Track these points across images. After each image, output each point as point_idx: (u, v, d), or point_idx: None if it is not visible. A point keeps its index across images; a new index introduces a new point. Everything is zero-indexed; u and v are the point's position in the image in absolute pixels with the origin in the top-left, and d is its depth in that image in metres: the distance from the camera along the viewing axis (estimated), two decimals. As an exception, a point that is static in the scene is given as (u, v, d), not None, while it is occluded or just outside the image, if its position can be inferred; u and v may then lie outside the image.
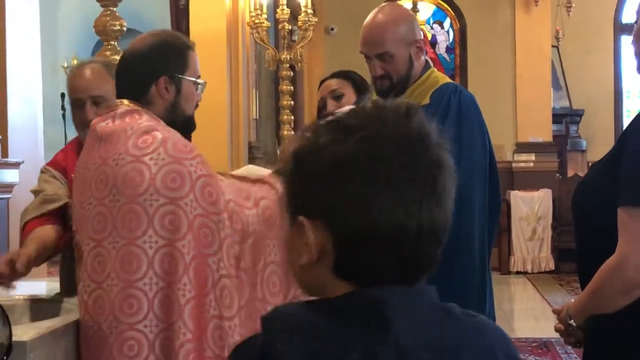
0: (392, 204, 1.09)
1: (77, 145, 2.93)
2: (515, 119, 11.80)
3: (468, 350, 1.14)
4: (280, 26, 7.82)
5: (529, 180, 11.20)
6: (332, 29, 12.07)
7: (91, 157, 2.34)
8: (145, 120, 2.34)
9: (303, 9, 7.66)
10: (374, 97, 2.96)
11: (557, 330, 2.25)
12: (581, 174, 11.94)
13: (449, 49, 12.43)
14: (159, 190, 2.21)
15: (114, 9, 4.05)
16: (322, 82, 3.50)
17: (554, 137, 11.85)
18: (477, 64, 12.00)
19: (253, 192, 2.38)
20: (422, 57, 2.88)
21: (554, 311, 2.28)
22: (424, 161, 1.12)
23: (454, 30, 12.35)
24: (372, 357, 1.08)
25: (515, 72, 11.79)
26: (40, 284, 3.12)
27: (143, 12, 9.15)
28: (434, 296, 1.18)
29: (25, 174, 4.23)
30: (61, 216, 2.77)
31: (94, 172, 2.30)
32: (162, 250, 2.20)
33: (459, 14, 12.15)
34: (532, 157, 11.59)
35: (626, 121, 12.41)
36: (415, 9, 11.66)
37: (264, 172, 2.62)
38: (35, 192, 2.87)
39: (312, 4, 7.75)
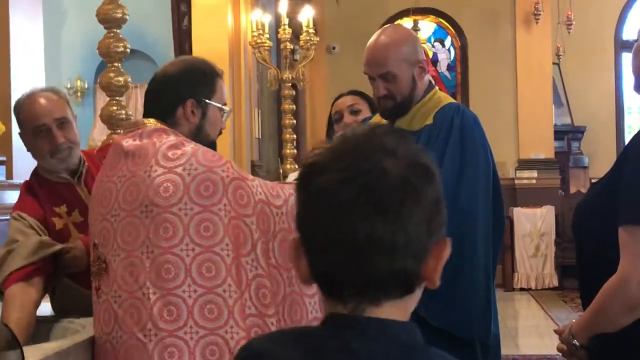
0: (336, 215, 1.13)
1: (38, 185, 2.90)
2: (517, 135, 11.82)
3: None
4: (282, 46, 7.87)
5: (532, 197, 11.20)
6: (333, 48, 12.11)
7: (117, 170, 2.38)
8: (172, 138, 2.38)
9: (305, 28, 7.71)
10: (379, 118, 2.98)
11: (559, 350, 2.25)
12: (583, 190, 11.93)
13: (450, 67, 12.48)
14: (192, 199, 2.25)
15: (118, 30, 4.06)
16: (337, 98, 3.63)
17: (556, 153, 11.87)
18: (479, 81, 12.04)
19: (284, 188, 2.41)
20: (426, 78, 2.90)
21: (556, 332, 2.28)
22: (384, 181, 1.14)
23: (455, 48, 12.40)
24: None
25: (516, 89, 11.82)
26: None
27: (146, 33, 9.19)
28: (403, 335, 1.19)
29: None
30: (52, 260, 2.76)
31: (122, 185, 2.34)
32: (199, 257, 2.24)
33: (459, 32, 12.19)
34: (535, 174, 11.60)
35: (627, 137, 12.46)
36: (416, 27, 11.73)
37: None
38: (10, 243, 2.76)
39: (314, 24, 7.80)
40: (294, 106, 8.08)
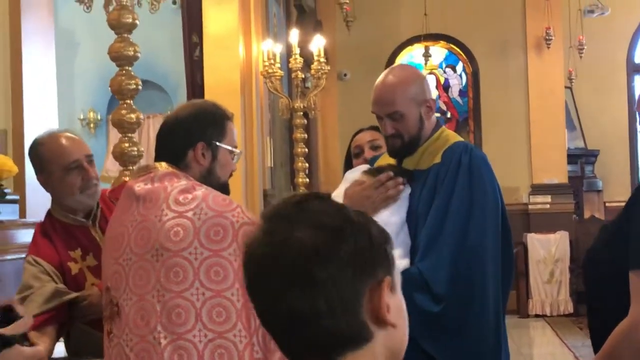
0: (263, 290, 1.22)
1: (53, 229, 2.92)
2: (530, 160, 11.79)
3: None
4: (293, 75, 7.90)
5: (546, 222, 11.16)
6: (345, 75, 12.15)
7: (129, 214, 2.40)
8: (183, 182, 2.41)
9: (316, 57, 7.74)
10: (387, 156, 2.99)
11: None
12: (598, 214, 11.90)
13: (462, 93, 12.49)
14: (203, 243, 2.26)
15: (129, 68, 4.10)
16: (357, 133, 3.68)
17: (570, 177, 11.83)
18: (491, 106, 12.04)
19: None
20: (433, 117, 2.91)
21: None
22: (293, 251, 1.19)
23: (466, 74, 12.41)
24: None
25: (528, 114, 11.81)
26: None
27: (158, 64, 9.25)
28: None
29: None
30: (67, 307, 2.78)
31: (134, 229, 2.36)
32: (210, 302, 2.25)
33: (471, 58, 12.21)
34: (548, 198, 11.56)
35: (642, 160, 12.43)
36: (427, 53, 11.77)
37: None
38: (24, 290, 2.75)
39: (325, 51, 7.83)
40: (306, 135, 8.09)
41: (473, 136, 12.29)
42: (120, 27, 4.05)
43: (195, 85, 8.02)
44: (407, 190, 2.83)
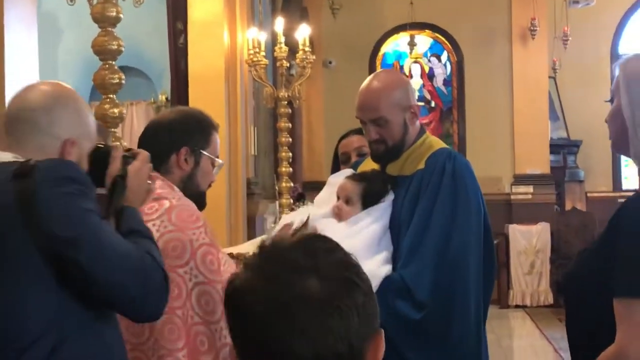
0: (265, 334, 1.19)
1: None
2: (513, 150, 11.83)
3: None
4: (278, 64, 7.86)
5: (527, 213, 11.21)
6: (330, 62, 12.12)
7: None
8: (158, 186, 2.39)
9: (301, 47, 7.70)
10: (370, 161, 2.99)
11: None
12: (579, 205, 11.96)
13: (446, 82, 12.49)
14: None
15: (113, 62, 4.07)
16: (343, 137, 3.68)
17: (552, 168, 11.87)
18: (475, 96, 12.06)
19: None
20: (417, 122, 2.91)
21: None
22: (289, 293, 1.18)
23: (451, 63, 12.41)
24: None
25: (512, 104, 11.84)
26: None
27: (142, 51, 9.18)
28: None
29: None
30: None
31: None
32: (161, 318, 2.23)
33: (456, 47, 12.21)
34: (530, 189, 11.60)
35: (624, 152, 12.46)
36: (412, 42, 11.76)
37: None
38: None
39: (311, 39, 7.79)
40: (290, 124, 8.06)
41: (457, 126, 12.32)
42: (104, 21, 4.03)
43: (180, 72, 7.98)
44: (391, 197, 2.83)
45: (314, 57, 8.02)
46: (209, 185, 2.61)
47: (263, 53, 7.75)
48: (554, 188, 11.72)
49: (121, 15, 4.06)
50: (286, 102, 7.91)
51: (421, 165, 2.83)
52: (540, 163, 11.72)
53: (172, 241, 2.28)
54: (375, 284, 2.58)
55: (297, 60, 7.76)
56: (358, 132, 3.51)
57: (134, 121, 9.54)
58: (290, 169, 8.02)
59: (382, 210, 2.80)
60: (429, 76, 12.50)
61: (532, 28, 11.53)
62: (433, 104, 12.38)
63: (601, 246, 2.08)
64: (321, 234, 1.30)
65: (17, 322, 1.86)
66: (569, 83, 12.49)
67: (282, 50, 7.73)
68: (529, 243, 10.78)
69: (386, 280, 2.65)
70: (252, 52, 7.69)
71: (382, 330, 1.24)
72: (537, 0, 11.52)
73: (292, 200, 8.11)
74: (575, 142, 12.46)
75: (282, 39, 7.73)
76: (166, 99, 9.52)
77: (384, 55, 12.55)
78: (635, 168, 2.32)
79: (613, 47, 12.88)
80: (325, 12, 11.65)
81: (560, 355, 7.78)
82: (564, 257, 10.76)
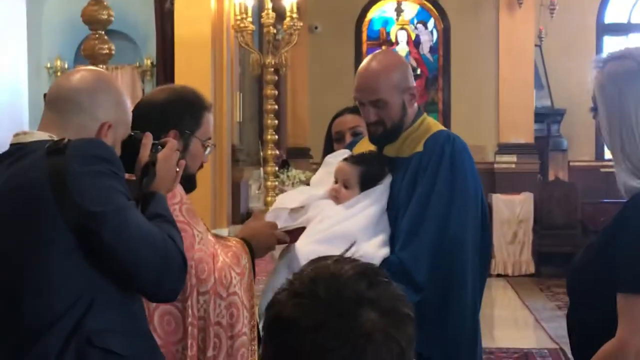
0: None
1: None
2: (498, 120, 11.83)
3: None
4: (265, 30, 7.79)
5: (511, 182, 11.24)
6: (316, 28, 12.03)
7: None
8: None
9: (288, 13, 7.63)
10: (366, 141, 2.97)
11: None
12: (562, 174, 12.01)
13: (432, 49, 12.44)
14: None
15: (102, 32, 4.01)
16: (336, 116, 3.60)
17: (536, 137, 11.89)
18: (461, 64, 12.02)
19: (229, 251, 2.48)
20: (415, 104, 2.89)
21: None
22: (354, 331, 1.16)
23: (437, 31, 12.36)
24: None
25: (498, 73, 11.81)
26: None
27: (128, 14, 9.05)
28: None
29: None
30: None
31: None
32: None
33: (442, 15, 12.15)
34: (514, 158, 11.63)
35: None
36: (399, 8, 11.69)
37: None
38: None
39: (297, 5, 7.73)
40: (276, 92, 8.02)
41: (442, 94, 12.30)
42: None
43: (166, 37, 7.90)
44: (388, 179, 2.82)
45: (301, 24, 7.96)
46: (201, 166, 2.58)
47: (250, 19, 7.68)
48: (538, 158, 11.75)
49: (111, -15, 3.99)
50: (272, 69, 7.87)
51: (419, 148, 2.81)
52: (524, 132, 11.73)
53: None
54: (355, 241, 2.60)
55: (285, 27, 7.71)
56: (352, 110, 3.48)
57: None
58: (276, 137, 8.00)
59: (380, 193, 2.79)
60: (415, 43, 12.45)
61: (519, -4, 11.48)
62: (419, 72, 12.34)
63: (607, 241, 2.08)
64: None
65: (44, 298, 1.94)
66: (554, 52, 12.46)
67: (269, 16, 7.66)
68: (512, 213, 10.83)
69: (384, 262, 2.65)
70: (239, 18, 7.62)
71: None
72: (524, -32, 11.46)
73: (276, 168, 8.12)
74: (559, 111, 12.47)
75: (269, 4, 7.66)
76: (151, 63, 9.43)
77: (370, 21, 12.47)
78: None
79: (599, 17, 12.85)
80: (312, -23, 11.54)
81: (541, 326, 7.86)
82: (546, 227, 10.84)
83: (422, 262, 2.66)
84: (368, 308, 1.17)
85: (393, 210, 2.78)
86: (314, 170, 3.72)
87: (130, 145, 2.23)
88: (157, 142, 2.28)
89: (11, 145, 2.11)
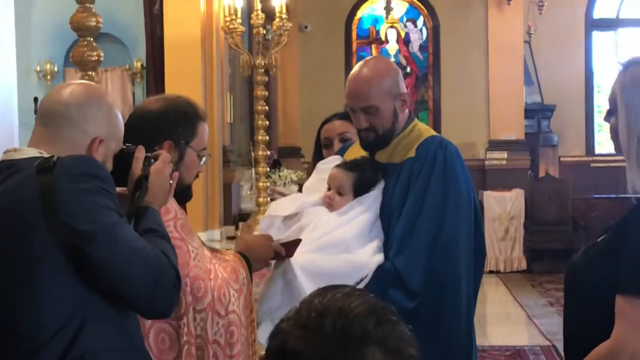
0: None
1: None
2: (488, 116, 11.86)
3: None
4: (254, 31, 7.78)
5: (501, 179, 11.27)
6: (305, 27, 12.02)
7: None
8: None
9: (278, 14, 7.62)
10: (357, 147, 2.97)
11: None
12: (552, 169, 12.04)
13: (422, 47, 12.45)
14: None
15: (91, 39, 4.01)
16: (325, 122, 3.61)
17: (526, 134, 11.92)
18: (451, 61, 12.04)
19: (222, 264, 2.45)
20: (406, 110, 2.89)
21: None
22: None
23: (427, 29, 12.37)
24: None
25: (487, 70, 11.85)
26: None
27: (117, 16, 9.02)
28: None
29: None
30: None
31: None
32: None
33: (432, 12, 12.16)
34: (505, 154, 11.66)
35: (597, 116, 12.55)
36: (389, 7, 11.68)
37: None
38: None
39: (286, 5, 7.71)
40: (267, 92, 8.01)
41: (432, 92, 12.31)
42: (83, -3, 3.95)
43: (155, 39, 7.88)
44: (381, 185, 2.82)
45: (291, 24, 7.95)
46: (197, 176, 2.56)
47: (239, 20, 7.67)
48: (528, 154, 11.78)
49: (100, -9, 3.99)
50: (263, 70, 7.86)
51: (411, 154, 2.82)
52: (514, 128, 11.77)
53: None
54: (367, 273, 2.59)
55: (274, 28, 7.70)
56: (341, 117, 3.49)
57: (109, 88, 9.42)
58: (267, 137, 8.00)
59: (373, 199, 2.79)
60: (405, 41, 12.45)
61: (508, -7, 11.50)
62: (409, 70, 12.34)
63: (609, 243, 2.09)
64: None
65: (33, 319, 1.93)
66: (543, 47, 12.48)
67: (259, 17, 7.64)
68: (503, 210, 10.86)
69: (379, 269, 2.66)
70: (228, 19, 7.61)
71: None
72: (512, -35, 11.48)
73: (268, 168, 8.11)
74: (549, 107, 12.50)
75: (258, 5, 7.65)
76: (142, 66, 9.40)
77: (360, 19, 12.47)
78: (607, 133, 2.29)
79: (588, 12, 12.88)
80: (301, -24, 11.53)
81: (533, 322, 7.89)
82: (537, 223, 10.87)
83: (417, 269, 2.66)
84: (374, 347, 1.15)
85: (386, 216, 2.79)
86: (306, 170, 3.74)
87: (123, 159, 2.21)
88: (149, 154, 2.26)
89: (0, 162, 2.10)
